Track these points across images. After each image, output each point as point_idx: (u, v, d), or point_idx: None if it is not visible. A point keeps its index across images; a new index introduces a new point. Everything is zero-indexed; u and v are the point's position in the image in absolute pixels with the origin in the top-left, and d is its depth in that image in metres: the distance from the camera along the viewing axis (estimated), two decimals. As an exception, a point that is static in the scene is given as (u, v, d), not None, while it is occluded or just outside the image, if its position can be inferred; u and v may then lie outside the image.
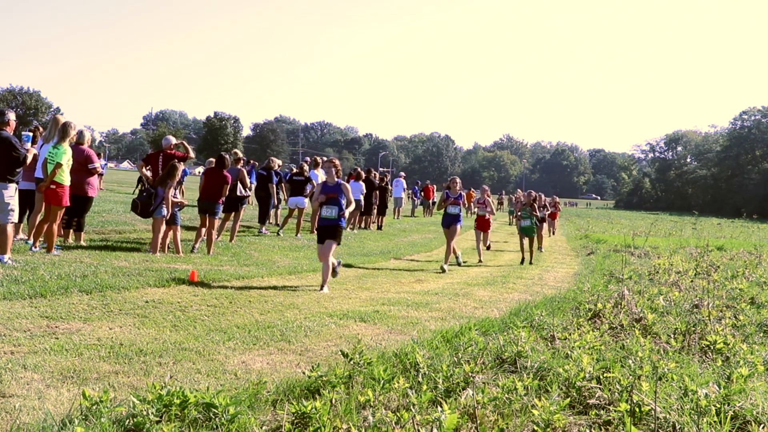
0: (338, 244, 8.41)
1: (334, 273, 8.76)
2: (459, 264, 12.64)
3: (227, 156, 11.31)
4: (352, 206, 8.45)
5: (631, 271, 10.98)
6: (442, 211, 12.48)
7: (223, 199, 11.04)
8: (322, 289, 8.06)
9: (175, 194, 9.90)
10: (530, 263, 13.67)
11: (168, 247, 10.30)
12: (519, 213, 14.25)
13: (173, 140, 11.10)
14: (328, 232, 8.31)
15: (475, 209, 14.91)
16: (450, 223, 12.14)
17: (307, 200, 15.00)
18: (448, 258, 11.90)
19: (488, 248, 15.14)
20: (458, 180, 12.65)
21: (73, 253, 8.79)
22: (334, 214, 8.26)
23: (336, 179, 8.52)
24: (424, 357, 4.42)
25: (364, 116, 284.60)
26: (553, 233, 24.11)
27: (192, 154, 11.36)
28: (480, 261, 13.83)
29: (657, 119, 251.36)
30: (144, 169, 10.67)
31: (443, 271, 11.31)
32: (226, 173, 10.97)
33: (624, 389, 3.92)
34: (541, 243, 17.66)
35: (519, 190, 22.95)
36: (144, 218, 10.34)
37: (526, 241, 14.05)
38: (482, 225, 14.60)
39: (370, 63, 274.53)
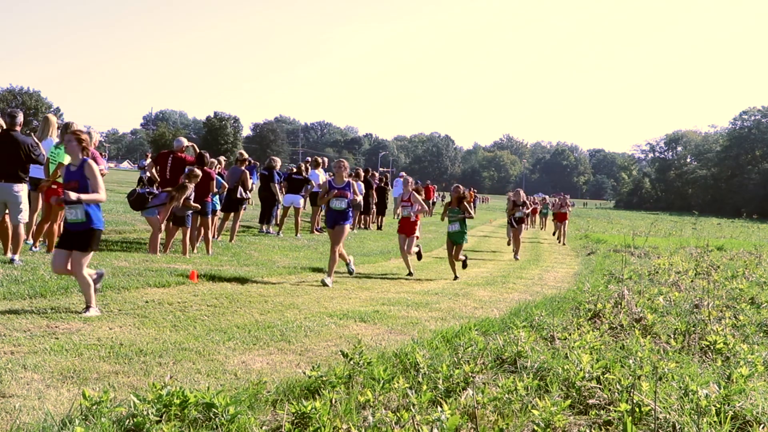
0: (87, 251, 5.66)
1: (87, 307, 5.68)
2: (350, 272, 9.79)
3: (206, 153, 11.25)
4: (99, 196, 5.63)
5: (631, 271, 10.98)
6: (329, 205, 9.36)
7: (212, 197, 10.99)
8: (86, 311, 5.62)
9: (190, 197, 9.94)
10: (455, 278, 10.55)
11: (169, 248, 10.30)
12: (447, 214, 10.95)
13: (185, 142, 11.03)
14: (74, 239, 5.64)
15: (398, 210, 11.33)
16: (335, 221, 9.22)
17: (302, 200, 14.98)
18: (333, 268, 9.04)
19: (419, 257, 11.43)
20: (345, 164, 9.61)
21: (73, 253, 8.78)
22: (80, 216, 5.58)
23: (81, 157, 5.69)
24: (424, 357, 4.42)
25: (364, 116, 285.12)
26: (563, 241, 20.60)
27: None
28: (410, 273, 10.64)
29: (657, 119, 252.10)
30: (153, 170, 10.68)
31: (325, 285, 8.49)
32: (208, 170, 10.93)
33: (624, 389, 3.92)
34: (518, 247, 15.60)
35: (519, 190, 21.52)
36: (132, 209, 10.35)
37: (455, 249, 10.68)
38: (404, 228, 10.91)
39: (370, 63, 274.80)
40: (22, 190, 7.64)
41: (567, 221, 21.59)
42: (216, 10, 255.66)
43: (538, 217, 30.81)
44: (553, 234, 21.97)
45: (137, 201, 9.78)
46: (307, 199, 15.68)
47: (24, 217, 7.64)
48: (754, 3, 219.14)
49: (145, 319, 5.66)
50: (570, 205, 21.60)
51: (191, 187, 9.90)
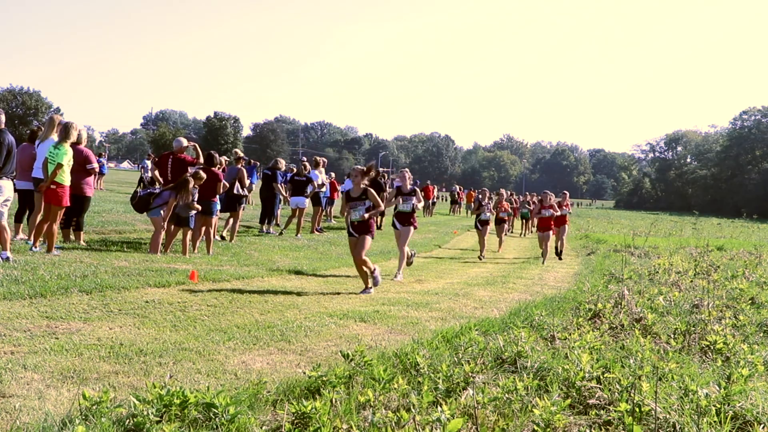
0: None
1: None
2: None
3: (216, 154, 11.27)
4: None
5: (631, 271, 10.98)
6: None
7: (218, 197, 11.01)
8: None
9: (193, 199, 9.97)
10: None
11: (170, 248, 10.30)
12: None
13: (185, 143, 11.02)
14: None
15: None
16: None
17: (307, 200, 15.05)
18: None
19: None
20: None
21: (73, 253, 8.79)
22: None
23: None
24: (424, 357, 4.42)
25: (364, 116, 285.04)
26: (561, 249, 15.53)
27: (201, 159, 11.24)
28: None
29: (657, 119, 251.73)
30: (156, 173, 10.71)
31: None
32: (216, 171, 10.95)
33: (624, 389, 3.92)
34: (483, 246, 13.88)
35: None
36: (136, 211, 10.39)
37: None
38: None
39: (370, 63, 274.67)
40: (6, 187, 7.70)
41: (567, 225, 16.18)
42: (216, 11, 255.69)
43: (516, 220, 25.97)
44: (558, 249, 15.57)
45: (140, 203, 9.81)
46: (309, 199, 15.73)
47: (5, 214, 7.69)
48: (754, 3, 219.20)
49: (145, 319, 5.66)
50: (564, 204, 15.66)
51: (190, 184, 9.91)
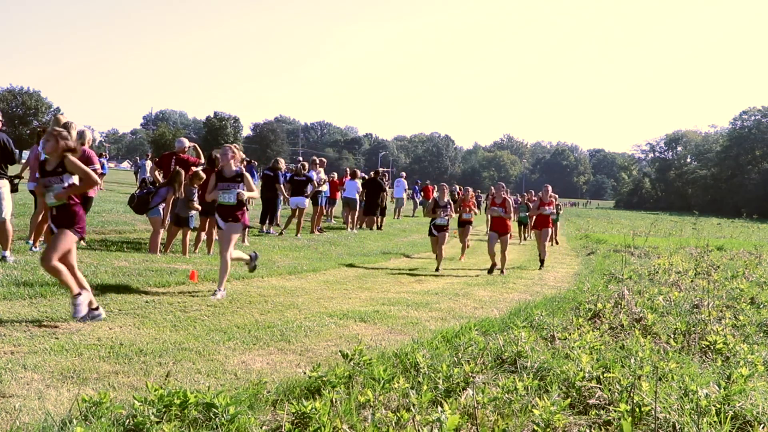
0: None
1: None
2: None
3: (217, 155, 11.27)
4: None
5: (631, 271, 10.98)
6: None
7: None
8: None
9: (193, 198, 9.97)
10: None
11: (170, 248, 10.30)
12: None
13: (186, 143, 11.02)
14: None
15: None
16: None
17: (307, 200, 15.06)
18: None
19: None
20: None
21: (73, 253, 8.78)
22: None
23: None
24: (424, 357, 4.42)
25: (364, 116, 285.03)
26: (542, 257, 12.77)
27: (202, 159, 11.17)
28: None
29: (657, 119, 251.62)
30: (156, 172, 10.69)
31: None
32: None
33: (624, 389, 3.92)
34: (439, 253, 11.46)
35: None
36: (136, 213, 10.38)
37: None
38: None
39: (370, 63, 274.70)
40: (3, 186, 7.61)
41: (551, 229, 13.46)
42: (216, 10, 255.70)
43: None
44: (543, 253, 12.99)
45: (139, 204, 9.79)
46: (309, 199, 15.74)
47: (6, 213, 7.63)
48: (754, 3, 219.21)
49: (145, 319, 5.66)
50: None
51: (182, 174, 9.91)
